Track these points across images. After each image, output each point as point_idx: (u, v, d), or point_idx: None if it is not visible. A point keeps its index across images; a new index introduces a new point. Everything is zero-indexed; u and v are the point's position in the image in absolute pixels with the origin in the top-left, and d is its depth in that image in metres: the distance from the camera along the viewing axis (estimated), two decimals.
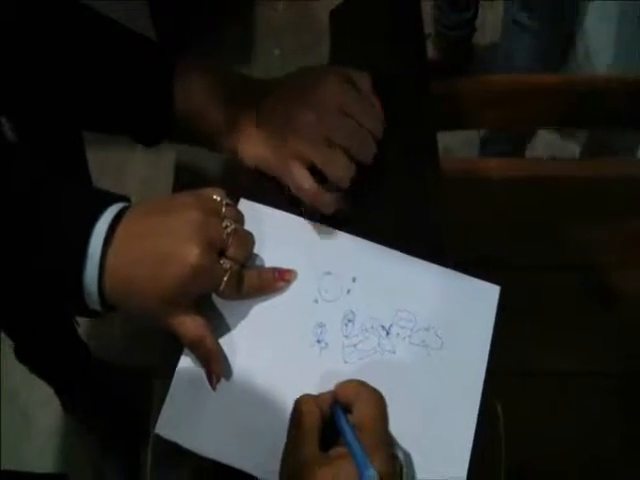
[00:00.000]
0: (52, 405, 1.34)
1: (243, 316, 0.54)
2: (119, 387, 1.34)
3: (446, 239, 0.60)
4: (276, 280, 0.54)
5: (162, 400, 0.52)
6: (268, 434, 0.51)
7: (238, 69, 0.62)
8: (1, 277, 0.49)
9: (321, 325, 0.54)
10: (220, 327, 0.53)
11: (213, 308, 0.53)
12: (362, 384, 0.50)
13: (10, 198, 0.48)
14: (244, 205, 0.57)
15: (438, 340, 0.54)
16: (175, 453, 0.51)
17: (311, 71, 0.60)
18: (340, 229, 0.57)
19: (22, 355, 1.15)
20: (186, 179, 0.70)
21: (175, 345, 0.52)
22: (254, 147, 0.59)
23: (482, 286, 0.56)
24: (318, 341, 0.54)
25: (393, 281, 0.56)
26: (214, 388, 0.51)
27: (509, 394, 0.53)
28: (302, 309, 0.54)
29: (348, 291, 0.55)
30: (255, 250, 0.54)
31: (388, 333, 0.54)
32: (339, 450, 0.47)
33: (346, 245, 0.57)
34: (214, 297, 0.53)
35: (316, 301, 0.55)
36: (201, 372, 0.51)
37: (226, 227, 0.50)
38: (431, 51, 1.70)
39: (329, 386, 0.52)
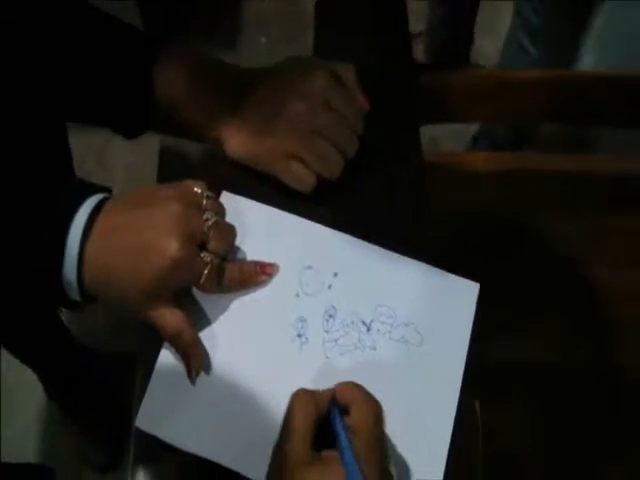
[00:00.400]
0: (36, 391, 1.33)
1: (224, 310, 0.54)
2: (103, 374, 1.34)
3: (429, 230, 0.60)
4: (257, 274, 0.54)
5: (143, 391, 0.52)
6: (248, 428, 0.51)
7: (224, 57, 0.61)
8: None
9: (302, 319, 0.54)
10: (200, 321, 0.53)
11: (193, 301, 0.53)
12: (359, 388, 0.49)
13: None
14: (226, 198, 0.57)
15: (418, 336, 0.54)
16: (158, 446, 0.51)
17: (298, 63, 0.60)
18: (322, 223, 0.57)
19: (4, 340, 1.14)
20: (170, 164, 0.70)
21: (156, 335, 0.52)
22: (239, 138, 0.58)
23: (462, 283, 0.56)
24: (299, 335, 0.54)
25: (374, 277, 0.56)
26: (193, 382, 0.51)
27: (486, 387, 0.54)
28: (283, 303, 0.54)
29: (329, 286, 0.55)
30: (236, 243, 0.54)
31: (369, 329, 0.54)
32: (332, 452, 0.46)
33: (328, 240, 0.57)
34: (194, 290, 0.53)
35: (297, 295, 0.55)
36: (181, 366, 0.51)
37: (207, 220, 0.50)
38: (420, 52, 1.68)
39: (309, 381, 0.52)
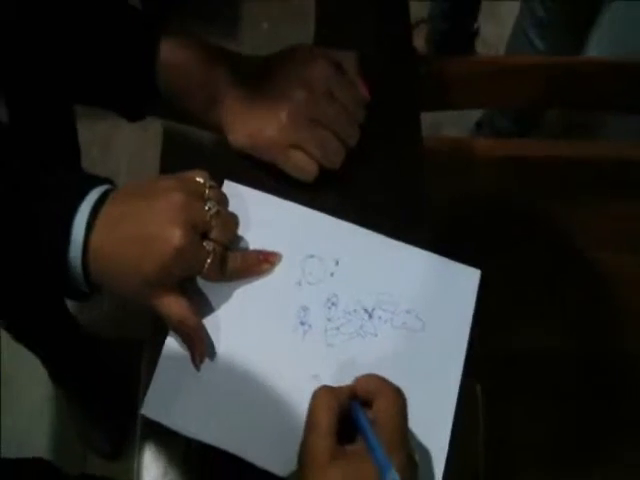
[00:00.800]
0: (38, 378, 1.34)
1: (227, 298, 0.54)
2: (108, 361, 1.35)
3: (430, 217, 0.60)
4: (260, 262, 0.55)
5: (149, 379, 0.52)
6: (253, 415, 0.52)
7: (225, 43, 0.61)
8: None
9: (304, 308, 0.55)
10: (204, 309, 0.53)
11: (197, 290, 0.53)
12: (384, 380, 0.49)
13: None
14: (228, 187, 0.57)
15: (419, 322, 0.55)
16: (164, 433, 0.52)
17: (299, 51, 0.60)
18: (324, 211, 0.58)
19: (8, 325, 1.15)
20: (174, 152, 0.70)
21: (162, 323, 0.52)
22: (241, 127, 0.58)
23: (463, 270, 0.56)
24: (301, 323, 0.54)
25: (376, 264, 0.56)
26: (198, 368, 0.52)
27: (488, 374, 0.54)
28: (286, 292, 0.55)
29: (331, 274, 0.56)
30: (239, 232, 0.55)
31: (371, 316, 0.55)
32: (356, 446, 0.46)
33: (330, 228, 0.57)
34: (198, 279, 0.53)
35: (299, 284, 0.55)
36: (186, 354, 0.52)
37: (209, 209, 0.50)
38: (421, 40, 1.67)
39: (312, 368, 0.52)
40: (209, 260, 0.50)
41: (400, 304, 0.55)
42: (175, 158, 0.70)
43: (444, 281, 0.56)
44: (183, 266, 0.50)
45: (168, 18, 0.58)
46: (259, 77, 0.58)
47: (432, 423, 0.52)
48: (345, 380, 0.50)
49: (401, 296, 0.55)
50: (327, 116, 0.57)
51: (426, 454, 0.51)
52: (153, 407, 0.52)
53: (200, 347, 0.52)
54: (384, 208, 0.60)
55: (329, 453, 0.45)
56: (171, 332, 0.53)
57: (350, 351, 0.54)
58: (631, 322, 0.88)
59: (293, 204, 0.58)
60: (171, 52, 0.57)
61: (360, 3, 0.72)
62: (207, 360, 0.52)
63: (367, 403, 0.48)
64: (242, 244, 0.55)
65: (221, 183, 0.57)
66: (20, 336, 1.18)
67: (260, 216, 0.57)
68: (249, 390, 0.52)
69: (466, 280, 0.56)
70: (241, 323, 0.54)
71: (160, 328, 0.53)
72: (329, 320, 0.54)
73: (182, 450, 0.53)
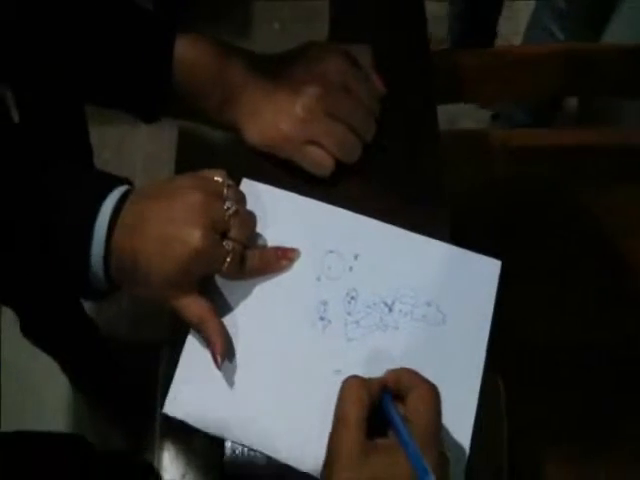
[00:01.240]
0: (59, 378, 1.35)
1: (246, 295, 0.54)
2: (126, 362, 1.35)
3: (449, 209, 0.60)
4: (279, 259, 0.55)
5: (169, 378, 0.53)
6: (276, 411, 0.52)
7: (237, 43, 0.61)
8: (8, 258, 0.50)
9: (324, 303, 0.55)
10: (224, 307, 0.54)
11: (216, 289, 0.54)
12: (416, 374, 0.47)
13: (16, 181, 0.49)
14: (246, 185, 0.57)
15: (440, 315, 0.55)
16: (184, 432, 0.52)
17: (314, 47, 0.60)
18: (341, 206, 0.58)
19: (27, 330, 1.16)
20: (188, 153, 0.70)
21: (182, 323, 0.52)
22: (256, 124, 0.58)
23: (483, 261, 0.56)
24: (321, 318, 0.54)
25: (395, 257, 0.56)
26: (219, 367, 0.52)
27: (509, 365, 0.54)
28: (305, 287, 0.55)
29: (350, 268, 0.56)
30: (258, 229, 0.55)
31: (391, 309, 0.55)
32: (387, 441, 0.45)
33: (348, 223, 0.57)
34: (217, 278, 0.53)
35: (319, 279, 0.55)
36: (207, 352, 0.52)
37: (228, 209, 0.51)
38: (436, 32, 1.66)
39: (335, 363, 0.52)
40: (228, 259, 0.50)
41: (420, 297, 0.55)
42: (190, 159, 0.70)
43: (464, 273, 0.56)
44: (203, 266, 0.50)
45: (180, 19, 0.58)
46: (274, 74, 0.59)
47: (455, 417, 0.52)
48: (368, 374, 0.50)
49: (421, 289, 0.55)
50: (343, 110, 0.57)
51: (449, 448, 0.51)
52: (175, 406, 0.52)
53: (220, 346, 0.52)
54: (402, 201, 0.60)
55: (359, 447, 0.44)
56: (192, 331, 0.53)
57: (371, 345, 0.54)
58: None
59: (310, 200, 0.58)
60: (186, 51, 0.57)
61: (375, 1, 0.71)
62: (228, 358, 0.52)
63: (397, 397, 0.47)
64: (261, 241, 0.56)
65: (238, 182, 0.57)
66: (39, 340, 1.19)
67: (278, 213, 0.57)
68: (271, 387, 0.52)
69: (486, 271, 0.56)
70: (261, 320, 0.54)
71: (179, 328, 0.53)
72: (349, 314, 0.54)
73: (201, 451, 0.53)
